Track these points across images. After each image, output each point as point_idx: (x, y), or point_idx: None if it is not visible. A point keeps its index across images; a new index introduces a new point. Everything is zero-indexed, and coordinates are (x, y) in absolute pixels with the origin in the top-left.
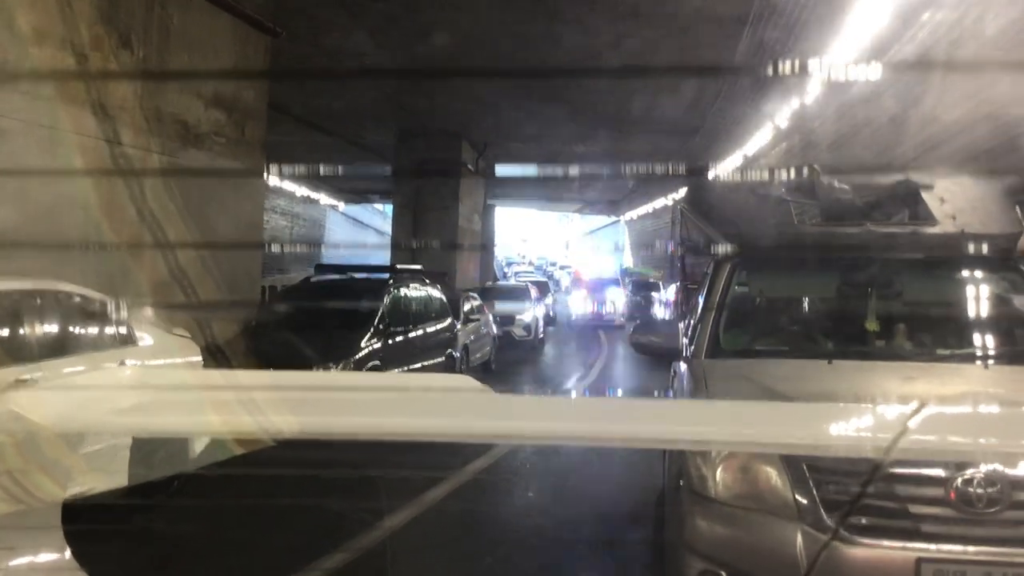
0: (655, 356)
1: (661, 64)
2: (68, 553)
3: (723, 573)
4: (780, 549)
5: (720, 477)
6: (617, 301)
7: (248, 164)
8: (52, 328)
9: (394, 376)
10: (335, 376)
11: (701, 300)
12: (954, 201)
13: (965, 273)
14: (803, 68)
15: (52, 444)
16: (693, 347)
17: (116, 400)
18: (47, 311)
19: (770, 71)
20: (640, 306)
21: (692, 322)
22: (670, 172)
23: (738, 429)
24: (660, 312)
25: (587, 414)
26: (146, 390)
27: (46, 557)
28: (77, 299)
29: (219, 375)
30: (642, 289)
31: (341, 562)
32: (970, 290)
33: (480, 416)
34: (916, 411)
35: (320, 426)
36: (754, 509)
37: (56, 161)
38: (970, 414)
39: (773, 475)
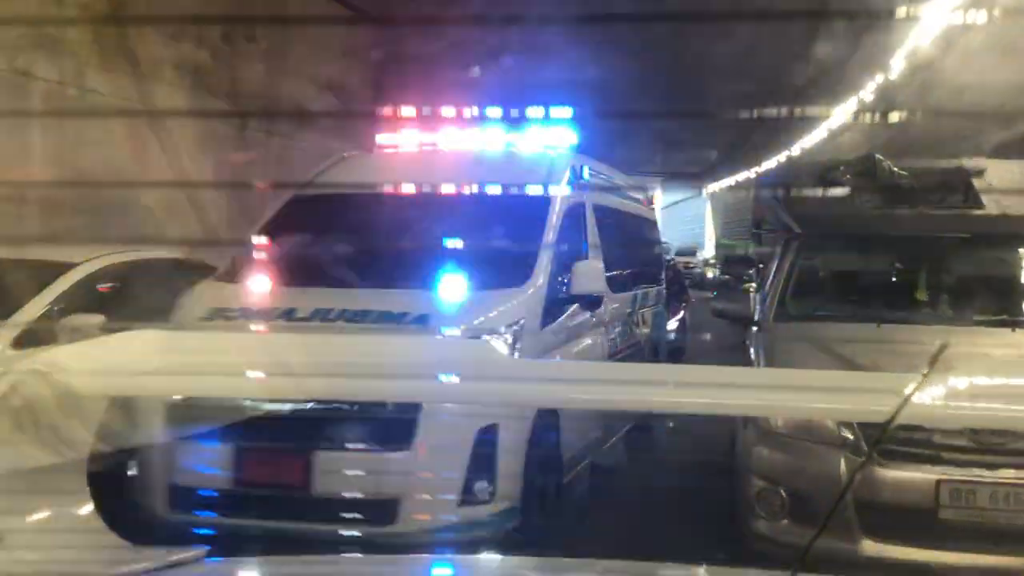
0: (733, 321)
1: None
2: (91, 507)
3: (781, 490)
4: (826, 471)
5: None
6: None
7: (353, 141)
8: None
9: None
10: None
11: (772, 272)
12: (1002, 186)
13: (1005, 250)
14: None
15: (92, 399)
16: (764, 312)
17: (149, 361)
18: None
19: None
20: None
21: (764, 291)
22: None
23: (769, 396)
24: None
25: (604, 379)
26: (178, 352)
27: (68, 511)
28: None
29: (252, 338)
30: (736, 265)
31: None
32: (1008, 265)
33: (508, 380)
34: (921, 381)
35: (349, 388)
36: (806, 440)
37: (197, 145)
38: (972, 384)
39: None
